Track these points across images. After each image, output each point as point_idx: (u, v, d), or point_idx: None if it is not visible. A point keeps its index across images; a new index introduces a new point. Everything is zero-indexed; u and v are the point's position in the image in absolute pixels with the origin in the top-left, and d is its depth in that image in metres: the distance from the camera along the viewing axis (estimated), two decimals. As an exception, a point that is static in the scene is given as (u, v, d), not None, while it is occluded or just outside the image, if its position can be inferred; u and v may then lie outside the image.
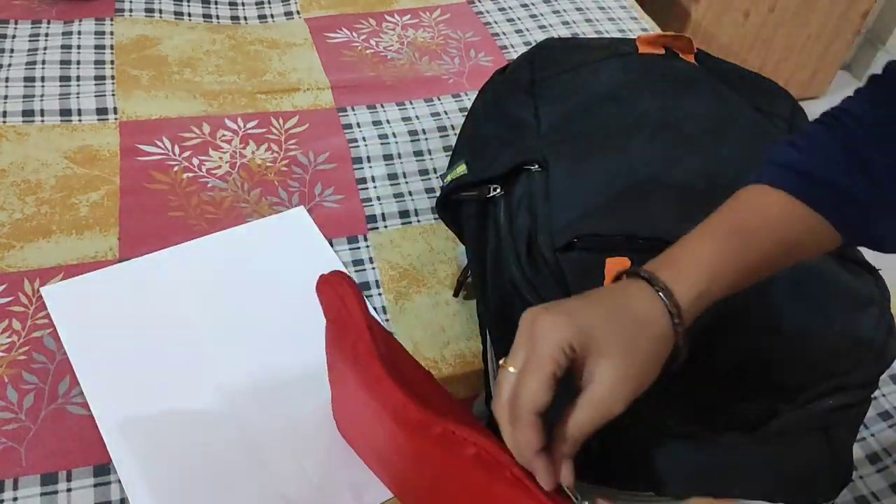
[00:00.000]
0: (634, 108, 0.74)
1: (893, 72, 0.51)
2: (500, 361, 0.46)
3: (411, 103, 1.08)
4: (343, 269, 0.85)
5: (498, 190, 0.69)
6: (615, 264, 0.57)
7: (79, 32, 1.11)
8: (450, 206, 0.75)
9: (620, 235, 0.61)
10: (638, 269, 0.47)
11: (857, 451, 0.74)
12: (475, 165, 0.76)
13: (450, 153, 0.96)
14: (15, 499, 0.65)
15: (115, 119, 1.00)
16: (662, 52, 0.80)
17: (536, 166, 0.69)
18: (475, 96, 0.88)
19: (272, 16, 1.23)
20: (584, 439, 0.44)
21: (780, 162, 0.51)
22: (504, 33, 1.24)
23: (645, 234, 0.61)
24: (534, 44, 0.89)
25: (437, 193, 0.94)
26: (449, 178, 0.77)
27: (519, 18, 1.27)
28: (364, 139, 1.02)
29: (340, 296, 0.55)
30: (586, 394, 0.44)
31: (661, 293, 0.45)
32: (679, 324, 0.45)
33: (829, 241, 0.51)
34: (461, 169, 0.77)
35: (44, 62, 1.06)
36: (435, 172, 0.99)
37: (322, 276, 0.57)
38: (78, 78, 1.04)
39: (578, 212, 0.64)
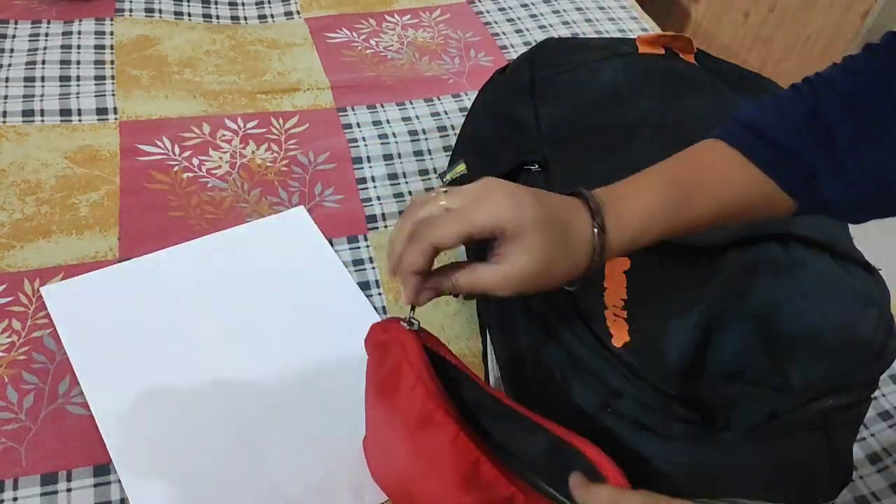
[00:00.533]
0: (634, 108, 0.74)
1: (885, 41, 0.50)
2: (443, 181, 0.48)
3: (411, 103, 1.08)
4: (343, 268, 0.85)
5: (498, 190, 0.69)
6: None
7: (79, 32, 1.11)
8: (449, 205, 0.75)
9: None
10: (590, 198, 0.49)
11: (857, 451, 0.74)
12: (475, 165, 0.75)
13: (450, 153, 0.96)
14: (15, 499, 0.65)
15: (115, 119, 1.00)
16: (662, 52, 0.81)
17: (536, 166, 0.69)
18: (475, 96, 0.88)
19: (272, 16, 1.23)
20: (454, 293, 0.49)
21: (741, 120, 0.51)
22: (504, 33, 1.24)
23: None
24: (534, 44, 0.89)
25: (437, 193, 0.94)
26: (448, 177, 0.77)
27: (519, 18, 1.27)
28: (364, 139, 1.02)
29: (402, 344, 0.52)
30: (490, 265, 0.47)
31: (597, 235, 0.47)
32: (590, 268, 0.48)
33: (781, 205, 0.51)
34: (461, 168, 0.77)
35: (44, 62, 1.06)
36: (435, 172, 0.99)
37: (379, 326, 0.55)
38: (78, 78, 1.04)
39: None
